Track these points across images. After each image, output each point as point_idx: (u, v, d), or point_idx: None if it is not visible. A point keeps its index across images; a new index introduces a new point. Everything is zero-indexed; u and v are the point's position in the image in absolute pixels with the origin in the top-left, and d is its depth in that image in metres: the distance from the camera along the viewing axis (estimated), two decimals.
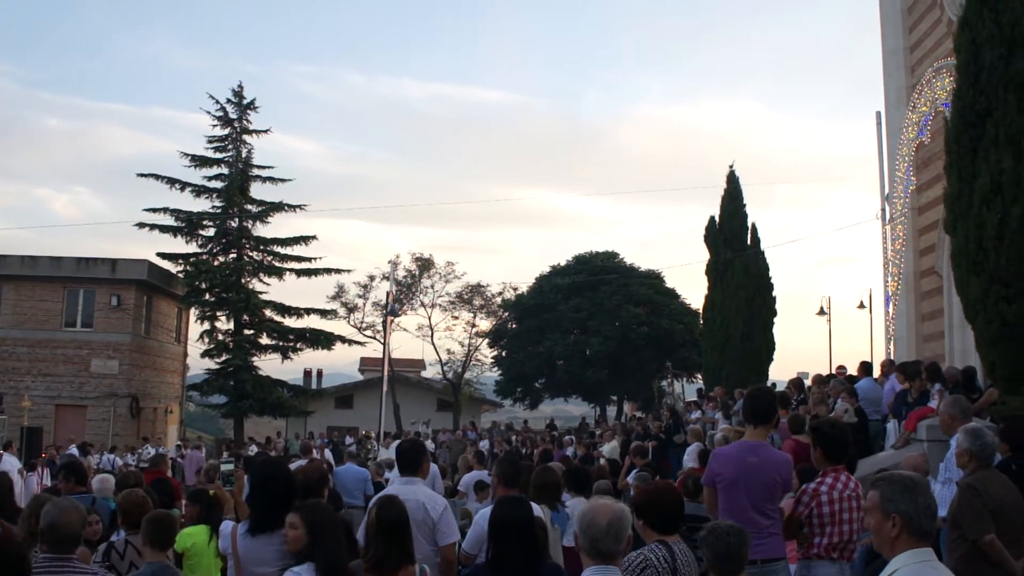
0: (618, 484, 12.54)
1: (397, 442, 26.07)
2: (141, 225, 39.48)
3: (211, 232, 40.28)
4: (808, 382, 16.97)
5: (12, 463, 19.43)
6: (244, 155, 40.77)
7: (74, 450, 25.88)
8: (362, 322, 45.29)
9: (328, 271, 42.27)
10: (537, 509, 7.08)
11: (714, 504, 6.02)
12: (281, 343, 41.01)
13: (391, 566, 4.69)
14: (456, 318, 47.16)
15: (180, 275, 39.83)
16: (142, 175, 40.55)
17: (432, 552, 6.07)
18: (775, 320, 27.14)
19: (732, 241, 27.27)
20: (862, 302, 29.62)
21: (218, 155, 40.61)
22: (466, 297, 46.67)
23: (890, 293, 20.46)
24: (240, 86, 41.10)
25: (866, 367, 15.96)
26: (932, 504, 3.68)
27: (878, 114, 22.20)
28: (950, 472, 7.57)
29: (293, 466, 11.84)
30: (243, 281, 39.92)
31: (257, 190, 41.14)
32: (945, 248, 16.35)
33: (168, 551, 5.63)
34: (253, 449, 29.61)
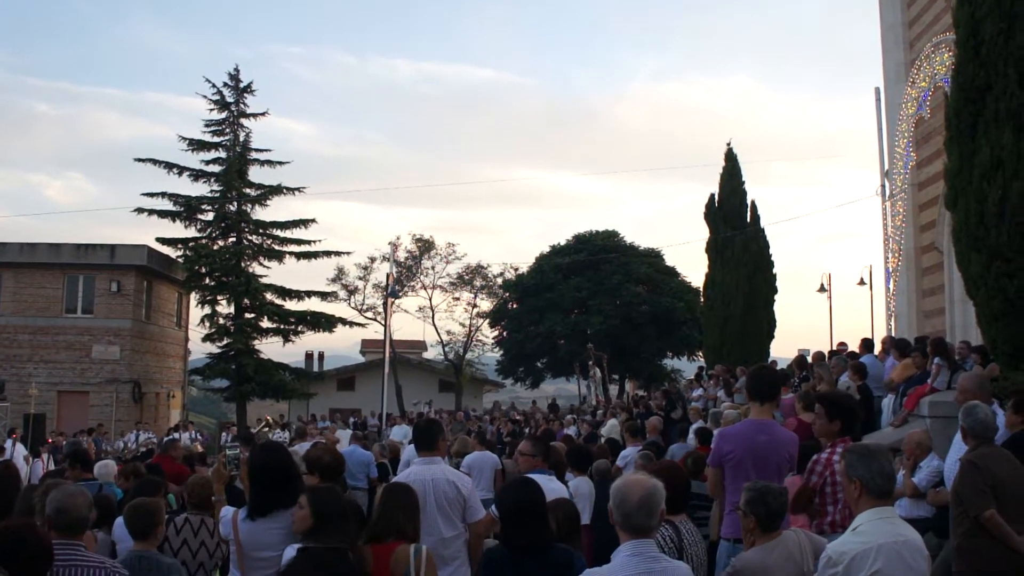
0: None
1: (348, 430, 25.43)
2: (140, 210, 39.41)
3: (210, 216, 40.18)
4: (810, 359, 16.96)
5: (19, 451, 19.62)
6: (242, 139, 40.68)
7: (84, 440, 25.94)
8: (363, 304, 45.45)
9: (328, 254, 42.30)
10: (563, 489, 7.12)
11: (718, 484, 5.98)
12: (282, 326, 40.99)
13: (388, 541, 5.00)
14: (457, 299, 47.30)
15: (180, 260, 39.78)
16: (139, 160, 40.35)
17: (462, 528, 6.19)
18: (775, 297, 27.19)
19: (732, 219, 27.27)
20: (862, 278, 29.62)
21: (215, 139, 40.52)
22: (467, 278, 46.72)
23: (890, 269, 20.45)
24: (236, 69, 40.92)
25: (867, 344, 15.93)
26: (887, 468, 4.22)
27: (877, 90, 22.11)
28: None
29: (295, 449, 11.92)
30: (243, 265, 39.86)
31: (255, 173, 41.09)
32: (945, 224, 16.34)
33: (153, 540, 5.64)
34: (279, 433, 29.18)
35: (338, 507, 4.76)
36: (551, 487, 6.24)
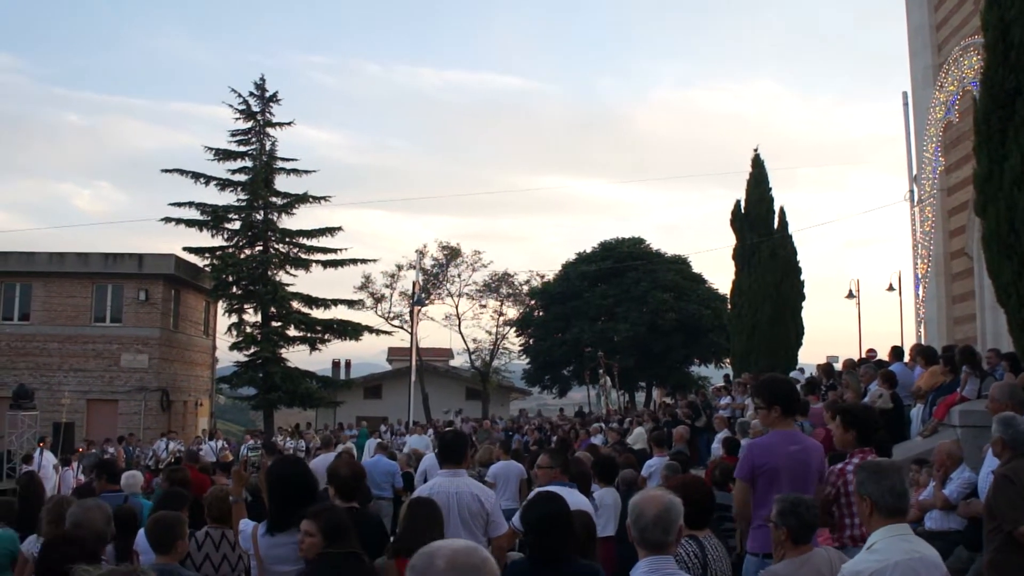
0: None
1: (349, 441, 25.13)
2: (167, 220, 39.81)
3: (237, 225, 40.48)
4: (838, 366, 16.78)
5: (48, 459, 19.75)
6: (268, 148, 40.92)
7: (111, 449, 26.16)
8: (389, 312, 45.50)
9: (354, 261, 42.40)
10: (585, 502, 7.07)
11: (746, 498, 5.87)
12: (309, 334, 41.18)
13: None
14: (484, 307, 47.28)
15: (207, 269, 40.06)
16: (167, 170, 40.69)
17: (485, 542, 6.17)
18: (803, 304, 26.97)
19: (758, 225, 27.09)
20: (891, 284, 29.39)
21: (242, 148, 40.83)
22: (493, 286, 46.71)
23: (920, 275, 20.22)
24: (262, 79, 41.29)
25: (897, 352, 15.75)
26: (898, 486, 4.17)
27: (904, 94, 21.88)
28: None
29: (319, 459, 11.92)
30: (270, 273, 40.09)
31: (281, 182, 41.39)
32: (975, 229, 16.12)
33: (174, 554, 5.60)
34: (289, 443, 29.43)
35: (342, 522, 4.75)
36: (572, 500, 6.19)
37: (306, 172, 41.54)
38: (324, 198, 41.45)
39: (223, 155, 40.49)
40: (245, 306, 39.91)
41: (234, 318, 39.99)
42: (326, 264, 41.61)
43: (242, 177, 40.40)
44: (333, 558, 4.58)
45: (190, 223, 39.88)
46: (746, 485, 5.83)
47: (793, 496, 4.85)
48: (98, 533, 4.72)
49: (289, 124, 41.67)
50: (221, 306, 41.49)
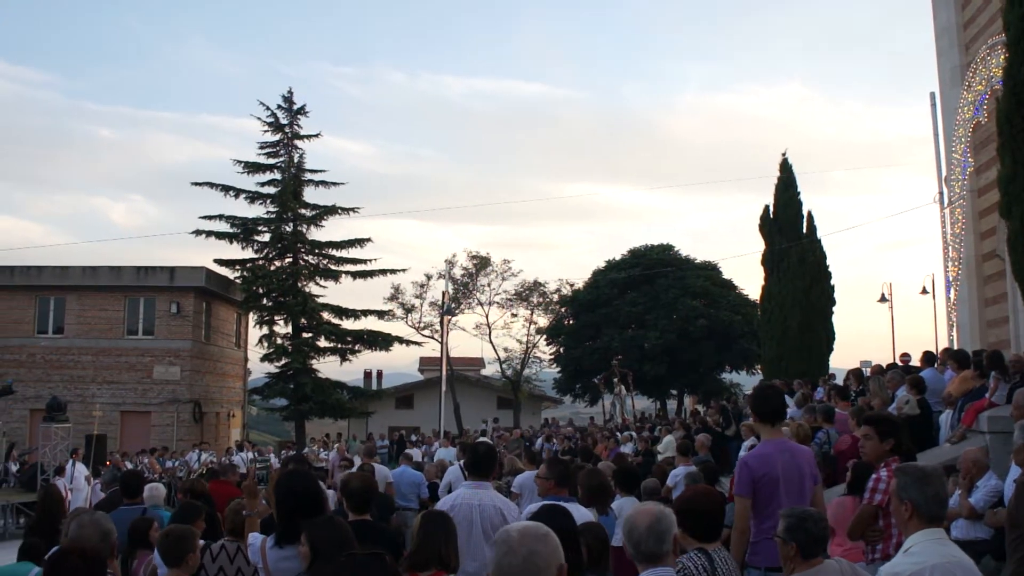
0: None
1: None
2: (198, 232, 40.14)
3: (266, 237, 40.73)
4: (869, 372, 16.56)
5: (80, 471, 19.93)
6: (296, 160, 41.16)
7: (145, 459, 26.46)
8: (420, 322, 45.50)
9: (383, 272, 42.55)
10: (588, 514, 6.99)
11: (748, 517, 5.74)
12: (339, 345, 41.34)
13: (430, 570, 4.88)
14: (514, 315, 47.17)
15: (238, 281, 40.32)
16: (197, 183, 41.03)
17: None
18: (834, 309, 26.73)
19: (787, 230, 26.90)
20: (925, 287, 29.01)
21: (270, 161, 41.10)
22: (523, 294, 46.62)
23: (951, 278, 19.95)
24: (290, 92, 41.56)
25: (929, 357, 15.50)
26: (941, 493, 4.21)
27: (932, 95, 21.67)
28: None
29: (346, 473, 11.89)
30: (300, 285, 40.29)
31: (310, 194, 41.57)
32: (1005, 230, 15.90)
33: (185, 567, 5.59)
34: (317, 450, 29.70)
35: (335, 538, 4.71)
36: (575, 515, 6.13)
37: (335, 184, 41.77)
38: (353, 209, 41.70)
39: (252, 168, 40.79)
40: (276, 317, 40.13)
41: (265, 330, 40.26)
42: (356, 275, 41.82)
43: (271, 189, 40.68)
44: (357, 558, 4.57)
45: (220, 235, 40.21)
46: (748, 502, 5.67)
47: (800, 510, 4.74)
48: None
49: (317, 136, 41.94)
50: (252, 318, 41.79)
